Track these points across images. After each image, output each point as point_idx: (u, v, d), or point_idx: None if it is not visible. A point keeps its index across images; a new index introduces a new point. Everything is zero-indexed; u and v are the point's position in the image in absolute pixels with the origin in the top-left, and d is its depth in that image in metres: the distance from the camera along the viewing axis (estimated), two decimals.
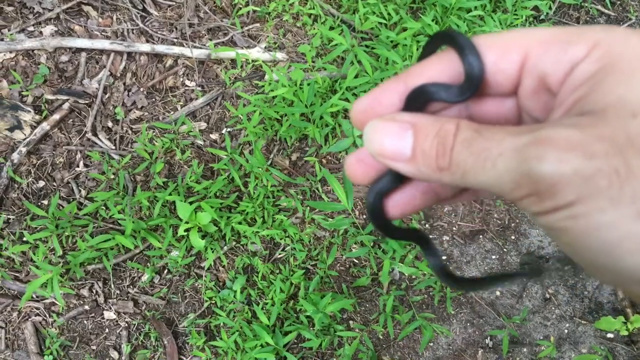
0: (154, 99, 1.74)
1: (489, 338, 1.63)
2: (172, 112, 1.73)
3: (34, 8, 1.76)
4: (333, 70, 1.71)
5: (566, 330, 1.63)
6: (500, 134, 0.27)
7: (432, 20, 1.72)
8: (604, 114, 0.25)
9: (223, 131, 1.74)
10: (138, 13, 1.80)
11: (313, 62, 1.77)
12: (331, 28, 1.80)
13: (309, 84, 1.59)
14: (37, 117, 1.63)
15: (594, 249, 0.25)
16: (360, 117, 0.33)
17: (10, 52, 1.69)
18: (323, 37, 1.79)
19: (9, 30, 1.71)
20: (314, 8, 1.83)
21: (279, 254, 1.65)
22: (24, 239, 1.53)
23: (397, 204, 0.35)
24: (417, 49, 1.68)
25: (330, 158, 1.73)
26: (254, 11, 1.85)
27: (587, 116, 0.25)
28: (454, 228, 1.70)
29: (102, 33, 1.77)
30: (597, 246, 0.25)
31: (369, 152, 0.31)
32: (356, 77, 1.64)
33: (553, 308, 1.64)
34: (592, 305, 1.65)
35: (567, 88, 0.28)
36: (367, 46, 1.77)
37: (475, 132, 0.28)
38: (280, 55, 1.80)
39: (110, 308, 1.56)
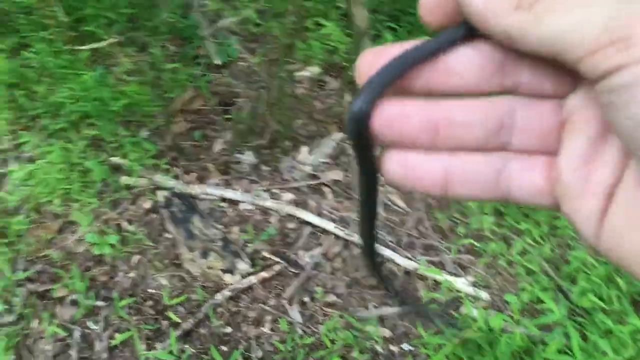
0: (352, 291, 1.91)
1: None
2: (364, 309, 1.88)
3: (283, 174, 2.10)
4: (535, 332, 1.76)
5: None
6: None
7: None
8: None
9: (403, 346, 1.83)
10: None
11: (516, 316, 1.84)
12: (544, 289, 1.89)
13: (507, 337, 1.65)
14: (250, 269, 1.88)
15: None
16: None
17: (252, 205, 2.01)
18: (533, 294, 1.87)
19: (256, 187, 2.06)
20: (532, 262, 1.95)
21: None
22: None
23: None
24: (634, 347, 1.67)
25: None
26: (471, 244, 2.01)
27: None
28: None
29: (330, 215, 2.04)
30: None
31: None
32: (558, 351, 1.67)
33: None
34: None
35: None
36: (577, 322, 1.81)
37: None
38: (484, 294, 1.90)
39: None
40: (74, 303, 1.80)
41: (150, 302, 1.83)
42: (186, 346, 1.76)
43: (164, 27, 2.41)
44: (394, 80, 0.29)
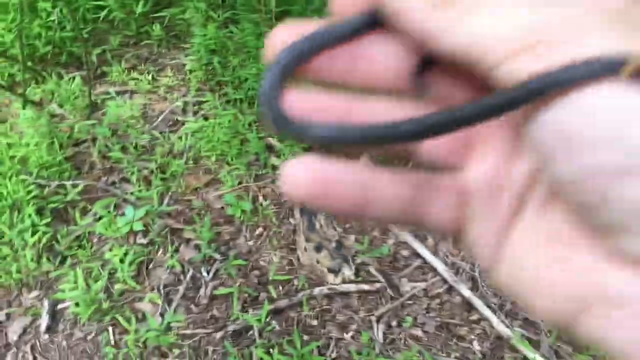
0: (439, 334, 1.94)
1: None
2: (445, 355, 1.90)
3: None
4: None
5: None
6: None
7: None
8: None
9: None
10: None
11: None
12: None
13: None
14: (353, 277, 1.99)
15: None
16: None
17: None
18: None
19: None
20: None
21: None
22: None
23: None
24: None
25: None
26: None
27: None
28: None
29: (445, 257, 2.09)
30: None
31: None
32: None
33: None
34: None
35: None
36: None
37: None
38: None
39: None
40: (197, 247, 2.02)
41: (257, 272, 2.01)
42: (274, 322, 1.90)
43: None
44: (301, 62, 0.28)
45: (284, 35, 0.28)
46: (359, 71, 0.29)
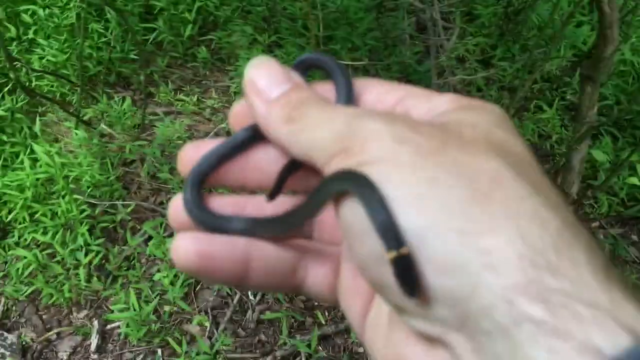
0: None
1: None
2: None
3: None
4: None
5: None
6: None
7: None
8: None
9: None
10: None
11: None
12: None
13: None
14: None
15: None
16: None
17: None
18: None
19: None
20: None
21: None
22: None
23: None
24: None
25: None
26: None
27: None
28: None
29: None
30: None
31: (245, 76, 0.36)
32: None
33: None
34: None
35: None
36: None
37: (325, 101, 0.34)
38: None
39: None
40: None
41: (302, 297, 2.01)
42: (320, 347, 1.90)
43: (397, 66, 2.63)
44: (209, 172, 0.37)
45: (191, 153, 0.37)
46: (250, 178, 0.38)
